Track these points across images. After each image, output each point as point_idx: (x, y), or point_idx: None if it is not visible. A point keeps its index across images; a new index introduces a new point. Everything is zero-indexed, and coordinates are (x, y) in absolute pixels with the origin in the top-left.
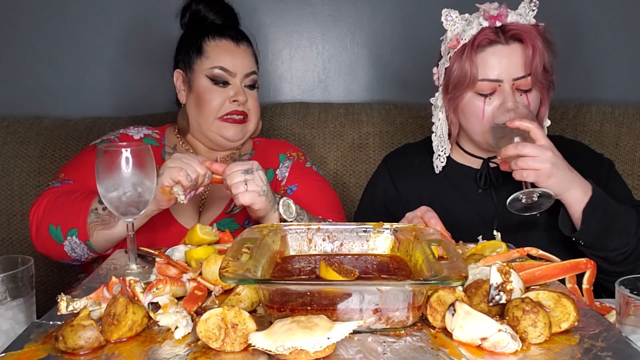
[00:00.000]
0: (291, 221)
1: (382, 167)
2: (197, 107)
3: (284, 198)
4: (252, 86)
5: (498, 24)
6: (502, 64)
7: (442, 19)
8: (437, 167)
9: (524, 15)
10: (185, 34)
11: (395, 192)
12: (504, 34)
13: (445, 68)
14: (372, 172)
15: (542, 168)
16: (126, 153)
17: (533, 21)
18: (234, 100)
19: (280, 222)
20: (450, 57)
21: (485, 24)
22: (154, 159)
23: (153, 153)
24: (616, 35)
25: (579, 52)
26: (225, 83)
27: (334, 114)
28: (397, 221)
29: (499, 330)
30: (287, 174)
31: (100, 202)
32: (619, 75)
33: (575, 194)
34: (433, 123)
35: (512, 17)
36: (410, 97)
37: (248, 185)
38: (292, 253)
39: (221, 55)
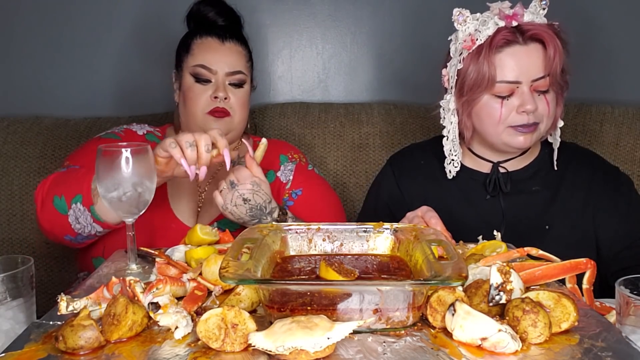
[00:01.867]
0: None
1: (387, 168)
2: (184, 104)
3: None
4: (237, 85)
5: (514, 23)
6: (520, 65)
7: (453, 18)
8: (449, 172)
9: (536, 14)
10: (184, 35)
11: (400, 194)
12: (522, 34)
13: (459, 70)
14: (372, 172)
15: None
16: (126, 153)
17: (545, 20)
18: (215, 97)
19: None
20: (463, 58)
21: (502, 23)
22: None
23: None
24: (622, 35)
25: (587, 51)
26: (207, 81)
27: (334, 114)
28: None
29: (499, 330)
30: (291, 177)
31: None
32: (623, 75)
33: None
34: (444, 127)
35: (527, 17)
36: (410, 97)
37: (221, 194)
38: (292, 253)
39: (204, 53)
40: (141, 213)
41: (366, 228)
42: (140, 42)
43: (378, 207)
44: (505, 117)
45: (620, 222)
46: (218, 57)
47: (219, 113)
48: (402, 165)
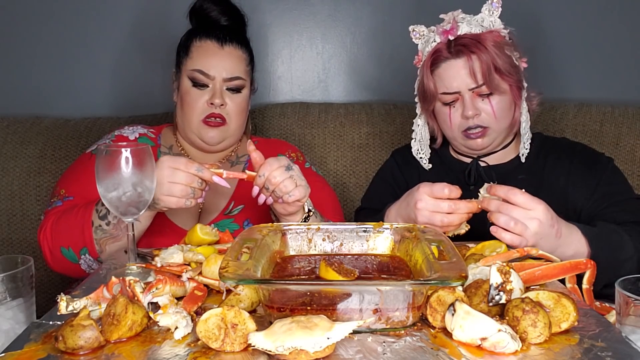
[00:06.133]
0: (311, 212)
1: (390, 160)
2: (181, 107)
3: None
4: (235, 90)
5: (451, 37)
6: (456, 77)
7: (411, 35)
8: (424, 165)
9: (475, 25)
10: (184, 34)
11: (403, 180)
12: (455, 47)
13: (417, 80)
14: (372, 172)
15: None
16: (126, 153)
17: (497, 22)
18: (211, 103)
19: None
20: (420, 70)
21: (439, 39)
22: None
23: None
24: (616, 36)
25: (581, 52)
26: (204, 86)
27: (334, 114)
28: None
29: (499, 330)
30: None
31: (102, 218)
32: (619, 74)
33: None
34: (413, 130)
35: (463, 29)
36: (410, 97)
37: (296, 180)
38: (292, 253)
39: (202, 57)
40: (141, 213)
41: (366, 228)
42: (141, 42)
43: (383, 190)
44: (455, 122)
45: (591, 196)
46: (216, 62)
47: (214, 121)
48: (403, 156)
